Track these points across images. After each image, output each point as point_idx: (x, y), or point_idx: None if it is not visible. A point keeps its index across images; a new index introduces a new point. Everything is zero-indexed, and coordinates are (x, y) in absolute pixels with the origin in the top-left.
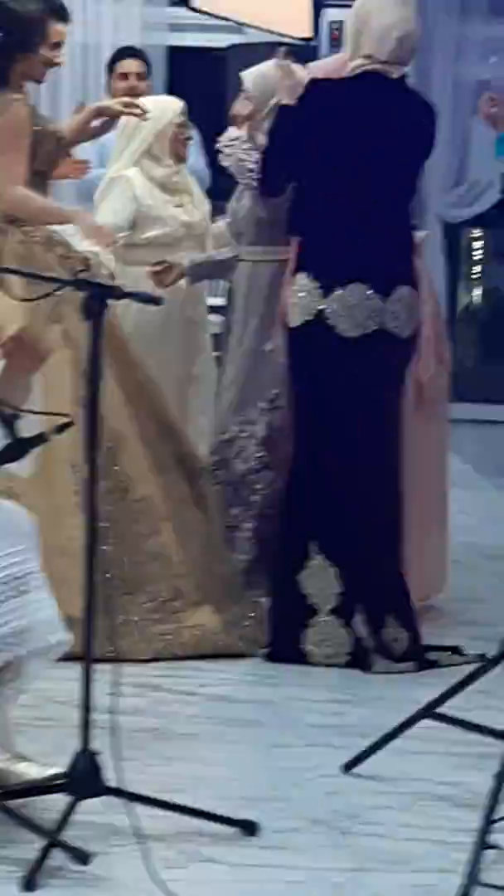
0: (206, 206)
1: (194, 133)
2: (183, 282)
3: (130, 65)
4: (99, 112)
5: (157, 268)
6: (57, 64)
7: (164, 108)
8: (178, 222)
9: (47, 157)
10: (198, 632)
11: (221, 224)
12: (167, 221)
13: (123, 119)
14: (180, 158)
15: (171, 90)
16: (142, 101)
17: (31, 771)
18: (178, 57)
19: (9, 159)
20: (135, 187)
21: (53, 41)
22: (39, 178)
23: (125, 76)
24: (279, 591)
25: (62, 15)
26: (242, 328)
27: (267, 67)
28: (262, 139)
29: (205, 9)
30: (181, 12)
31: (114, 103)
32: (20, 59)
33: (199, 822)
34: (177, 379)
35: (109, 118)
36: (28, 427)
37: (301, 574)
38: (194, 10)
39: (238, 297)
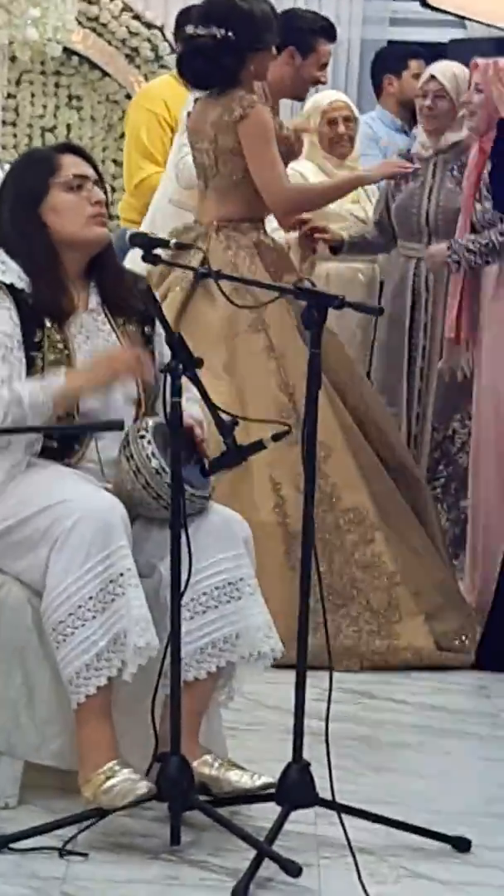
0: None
1: None
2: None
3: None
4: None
5: (317, 225)
6: (321, 82)
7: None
8: (354, 218)
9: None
10: (409, 653)
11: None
12: (346, 218)
13: None
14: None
15: None
16: None
17: (243, 779)
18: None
19: (269, 160)
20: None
21: (322, 61)
22: None
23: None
24: (499, 595)
25: (331, 34)
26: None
27: (458, 67)
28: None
29: (438, 5)
30: (402, 6)
31: None
32: (252, 57)
33: (411, 837)
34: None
35: None
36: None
37: None
38: (428, 6)
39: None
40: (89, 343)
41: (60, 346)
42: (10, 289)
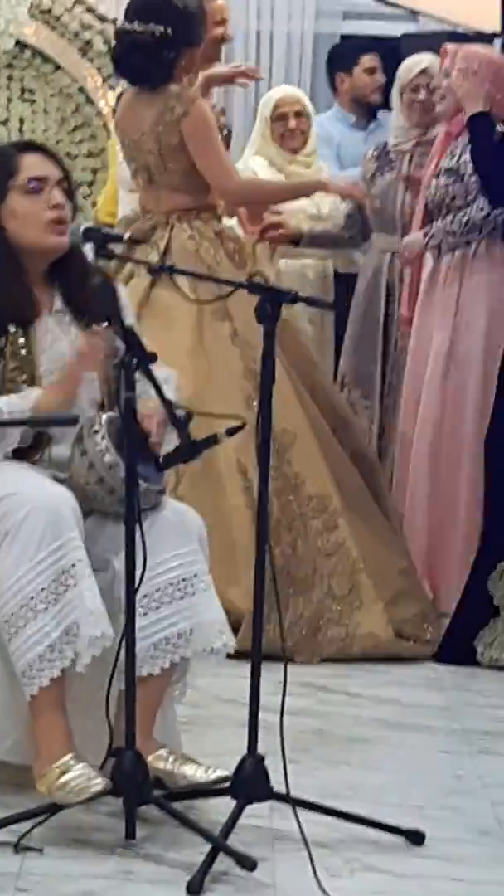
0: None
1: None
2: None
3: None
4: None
5: (273, 221)
6: (226, 39)
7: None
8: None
9: None
10: (369, 642)
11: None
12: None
13: None
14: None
15: None
16: None
17: (197, 773)
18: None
19: (215, 154)
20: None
21: (216, 18)
22: None
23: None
24: (467, 590)
25: None
26: None
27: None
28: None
29: None
30: (355, 0)
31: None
32: (185, 53)
33: (365, 830)
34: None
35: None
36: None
37: (492, 575)
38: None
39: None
40: (55, 346)
41: (23, 351)
42: None
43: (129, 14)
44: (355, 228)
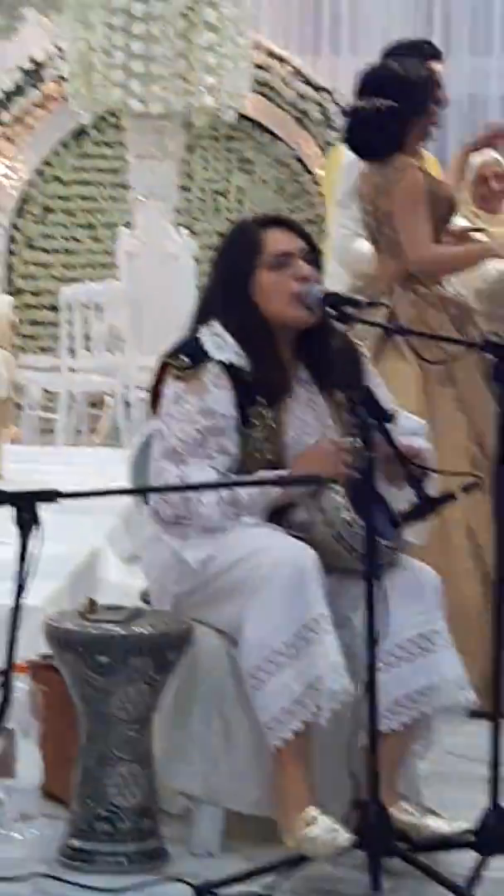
0: None
1: None
2: None
3: None
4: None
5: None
6: (443, 102)
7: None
8: None
9: (440, 223)
10: None
11: None
12: None
13: None
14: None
15: None
16: None
17: (441, 825)
18: None
19: (413, 223)
20: None
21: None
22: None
23: None
24: None
25: (436, 54)
26: None
27: None
28: None
29: None
30: None
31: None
32: (414, 123)
33: None
34: None
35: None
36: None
37: None
38: None
39: None
40: (303, 417)
41: (272, 423)
42: (227, 367)
43: (357, 90)
44: None
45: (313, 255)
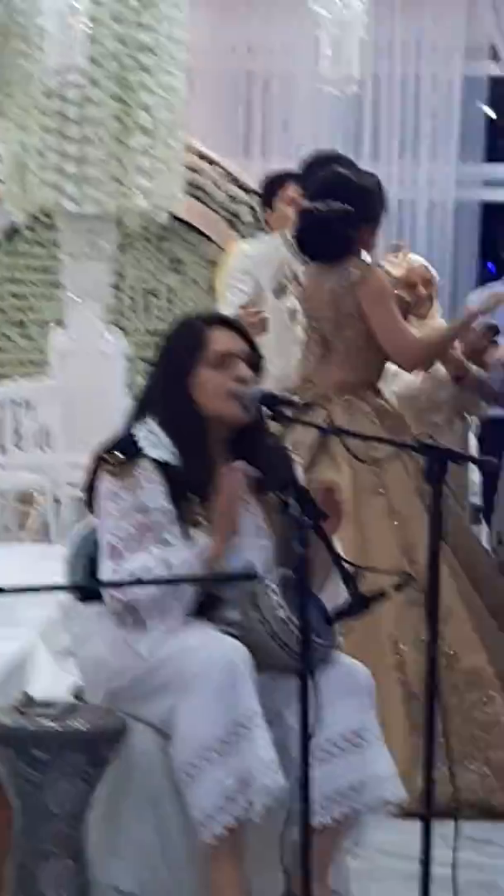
0: None
1: None
2: None
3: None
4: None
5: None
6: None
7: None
8: None
9: None
10: None
11: None
12: None
13: None
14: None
15: (483, 247)
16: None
17: None
18: (493, 212)
19: (393, 320)
20: None
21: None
22: None
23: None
24: None
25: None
26: None
27: None
28: None
29: None
30: (497, 168)
31: None
32: (364, 230)
33: None
34: None
35: None
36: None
37: None
38: None
39: None
40: None
41: (201, 518)
42: (160, 463)
43: (311, 193)
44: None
45: (256, 358)
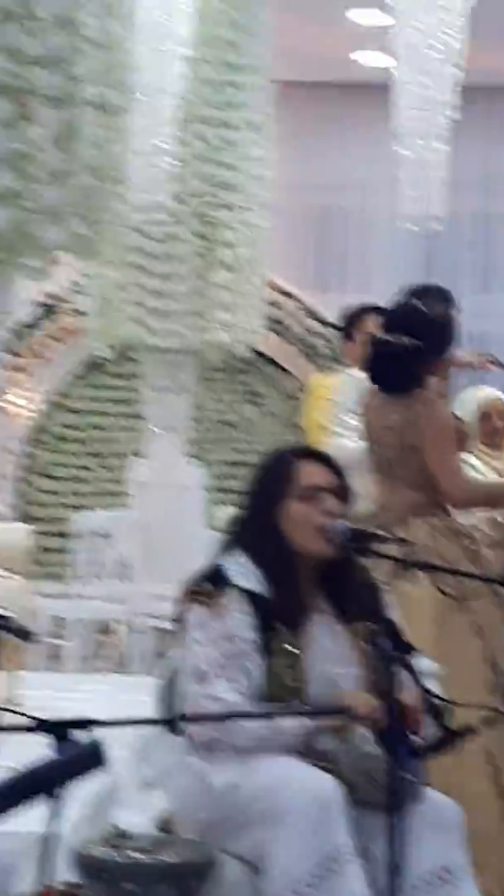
0: None
1: None
2: None
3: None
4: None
5: None
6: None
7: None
8: None
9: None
10: None
11: None
12: None
13: None
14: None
15: None
16: None
17: None
18: None
19: (450, 458)
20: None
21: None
22: None
23: None
24: None
25: (448, 298)
26: None
27: None
28: None
29: None
30: None
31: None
32: (435, 363)
33: None
34: None
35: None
36: None
37: None
38: None
39: None
40: (322, 645)
41: (290, 648)
42: (248, 593)
43: (386, 324)
44: None
45: (344, 492)
